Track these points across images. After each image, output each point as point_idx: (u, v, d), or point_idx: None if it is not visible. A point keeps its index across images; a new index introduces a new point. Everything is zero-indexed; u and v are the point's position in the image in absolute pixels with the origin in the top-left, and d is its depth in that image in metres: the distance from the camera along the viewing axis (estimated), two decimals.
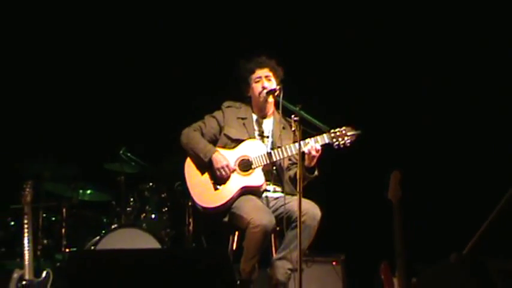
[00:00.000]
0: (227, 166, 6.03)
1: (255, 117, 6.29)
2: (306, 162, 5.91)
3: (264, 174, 6.09)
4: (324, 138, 5.92)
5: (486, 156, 7.19)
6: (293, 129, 5.84)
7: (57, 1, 8.17)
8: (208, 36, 7.93)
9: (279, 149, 6.06)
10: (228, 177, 6.06)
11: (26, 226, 6.82)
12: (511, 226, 5.62)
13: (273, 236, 6.02)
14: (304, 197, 5.65)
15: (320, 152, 5.92)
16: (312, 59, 7.68)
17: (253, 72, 6.25)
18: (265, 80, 6.19)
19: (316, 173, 6.01)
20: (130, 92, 7.94)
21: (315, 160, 5.93)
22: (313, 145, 5.88)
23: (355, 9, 8.11)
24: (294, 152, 5.91)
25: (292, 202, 5.79)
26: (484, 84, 7.81)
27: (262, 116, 6.30)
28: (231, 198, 6.01)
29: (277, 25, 7.91)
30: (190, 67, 7.85)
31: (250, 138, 6.19)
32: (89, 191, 7.62)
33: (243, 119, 6.26)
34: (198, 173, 6.16)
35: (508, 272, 4.57)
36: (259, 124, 6.29)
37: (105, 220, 7.40)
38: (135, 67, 8.06)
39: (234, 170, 6.06)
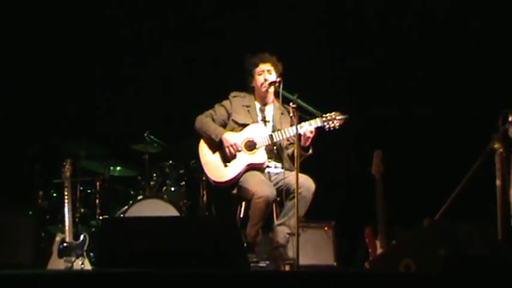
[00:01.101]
0: (235, 145, 6.08)
1: (257, 104, 6.32)
2: (302, 143, 5.94)
3: (266, 153, 6.13)
4: (317, 122, 5.95)
5: (454, 138, 7.19)
6: (291, 114, 5.92)
7: None
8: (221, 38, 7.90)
9: (279, 132, 6.10)
10: (235, 156, 6.09)
11: (66, 197, 6.87)
12: (473, 196, 5.67)
13: (274, 205, 6.06)
14: (301, 172, 5.71)
15: (314, 133, 5.97)
16: (305, 53, 7.65)
17: (257, 66, 6.27)
18: (267, 73, 6.21)
19: (310, 151, 6.06)
20: (154, 84, 7.92)
21: (309, 141, 5.97)
22: (307, 128, 5.93)
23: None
24: (291, 134, 5.96)
25: (291, 176, 5.83)
26: (453, 73, 7.81)
27: (264, 103, 6.32)
28: (238, 174, 6.05)
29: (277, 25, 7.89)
30: (203, 64, 7.82)
31: (254, 122, 6.22)
32: (118, 168, 7.63)
33: (247, 106, 6.29)
34: (210, 152, 6.20)
35: (472, 234, 4.60)
36: (262, 110, 6.32)
37: (132, 192, 7.42)
38: (156, 65, 8.03)
39: (241, 150, 6.10)
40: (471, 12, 7.70)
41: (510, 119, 5.68)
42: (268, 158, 6.16)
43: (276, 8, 7.99)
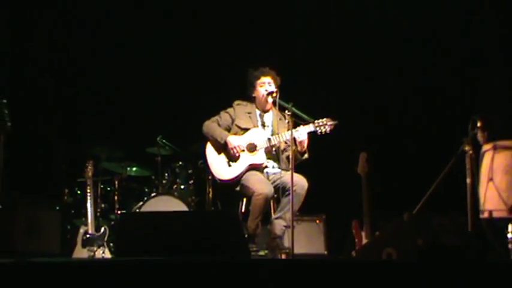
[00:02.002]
0: (238, 147, 6.08)
1: (258, 111, 6.32)
2: (299, 148, 5.96)
3: (266, 154, 6.14)
4: (310, 127, 5.96)
5: (429, 142, 7.19)
6: (287, 120, 5.90)
7: None
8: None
9: (277, 135, 6.10)
10: (238, 156, 6.10)
11: (88, 194, 6.90)
12: (447, 192, 5.69)
13: (271, 201, 6.06)
14: (296, 172, 5.72)
15: (307, 137, 5.99)
16: (299, 68, 7.67)
17: (258, 78, 6.27)
18: (267, 85, 6.23)
19: (306, 155, 6.07)
20: (166, 94, 7.91)
21: (304, 144, 5.97)
22: (301, 132, 5.95)
23: None
24: (287, 138, 5.94)
25: (286, 176, 5.83)
26: (428, 86, 7.83)
27: (264, 110, 6.33)
28: (240, 173, 6.05)
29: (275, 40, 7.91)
30: (211, 75, 7.83)
31: (254, 127, 6.22)
32: (134, 168, 7.62)
33: (249, 113, 6.29)
34: (215, 153, 6.20)
35: (446, 225, 4.62)
36: (262, 117, 6.33)
37: (146, 190, 7.39)
38: (168, 77, 8.03)
39: (243, 151, 6.11)
40: (446, 26, 7.72)
41: (478, 124, 5.70)
42: (267, 158, 6.16)
43: (276, 28, 8.00)
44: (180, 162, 7.41)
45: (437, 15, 7.73)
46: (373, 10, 7.95)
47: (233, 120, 6.27)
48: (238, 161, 6.11)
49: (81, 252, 6.76)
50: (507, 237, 5.25)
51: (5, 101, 5.10)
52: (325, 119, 5.98)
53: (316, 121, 5.97)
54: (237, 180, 6.07)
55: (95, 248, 6.77)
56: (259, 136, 6.15)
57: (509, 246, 5.23)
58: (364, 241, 5.81)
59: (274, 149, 6.17)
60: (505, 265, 4.54)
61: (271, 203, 6.09)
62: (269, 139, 6.12)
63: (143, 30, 8.06)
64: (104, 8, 7.99)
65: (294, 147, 5.81)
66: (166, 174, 7.38)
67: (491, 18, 7.59)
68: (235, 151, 6.09)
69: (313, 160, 6.06)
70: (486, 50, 7.72)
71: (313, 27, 7.99)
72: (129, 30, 8.02)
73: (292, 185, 5.57)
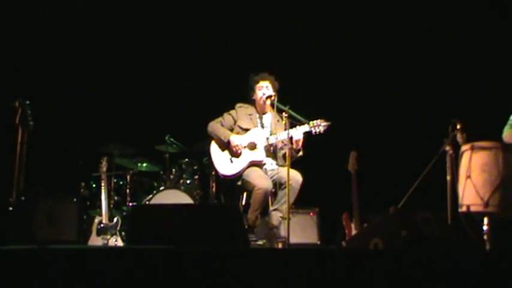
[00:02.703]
0: (240, 145, 6.10)
1: (257, 113, 6.34)
2: (294, 146, 5.96)
3: (265, 152, 6.15)
4: (305, 127, 5.97)
5: (413, 142, 7.19)
6: (284, 121, 5.92)
7: None
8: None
9: (274, 135, 6.13)
10: (240, 154, 6.11)
11: (102, 188, 6.94)
12: (429, 188, 5.68)
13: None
14: (292, 168, 5.73)
15: (302, 137, 5.98)
16: (297, 73, 7.67)
17: (257, 82, 6.30)
18: (265, 89, 6.24)
19: (301, 153, 6.06)
20: (174, 97, 7.92)
21: (299, 143, 5.97)
22: (296, 132, 5.95)
23: None
24: (284, 137, 5.94)
25: (283, 171, 5.84)
26: (412, 91, 7.85)
27: (263, 112, 6.34)
28: (242, 169, 6.07)
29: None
30: (215, 80, 7.83)
31: (255, 127, 6.24)
32: (144, 164, 7.63)
33: (250, 114, 6.30)
34: (219, 150, 6.22)
35: (428, 219, 4.62)
36: (261, 118, 6.34)
37: (155, 184, 7.40)
38: (177, 82, 8.03)
39: (245, 148, 6.12)
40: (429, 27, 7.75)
41: (458, 127, 5.71)
42: (266, 156, 6.16)
43: (275, 36, 8.01)
44: (186, 159, 7.41)
45: (427, 18, 7.76)
46: (363, 14, 7.97)
47: (235, 121, 6.28)
48: (239, 158, 6.12)
49: (95, 240, 6.79)
50: (483, 230, 5.27)
51: (27, 102, 5.09)
52: (319, 120, 5.98)
53: (311, 122, 5.97)
54: (239, 175, 6.09)
55: (109, 237, 6.80)
56: (258, 136, 6.16)
57: (485, 237, 5.25)
58: (354, 232, 5.83)
59: (272, 147, 6.18)
60: (481, 254, 4.56)
61: (269, 197, 6.08)
62: (267, 138, 6.14)
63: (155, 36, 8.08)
64: (117, 8, 7.99)
65: (290, 146, 5.82)
66: (173, 170, 7.39)
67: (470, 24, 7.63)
68: (237, 149, 6.10)
69: (307, 158, 6.06)
70: (464, 59, 7.75)
71: (307, 35, 8.00)
72: (142, 33, 8.05)
73: (288, 180, 5.61)
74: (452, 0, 7.68)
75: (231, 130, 6.24)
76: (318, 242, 6.90)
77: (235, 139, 6.13)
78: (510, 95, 6.52)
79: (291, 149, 5.86)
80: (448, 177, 5.64)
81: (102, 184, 6.95)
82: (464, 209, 5.36)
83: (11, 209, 4.69)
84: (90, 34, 8.00)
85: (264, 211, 5.98)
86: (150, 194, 7.07)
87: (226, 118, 6.32)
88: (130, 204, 7.22)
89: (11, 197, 4.81)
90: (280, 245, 5.69)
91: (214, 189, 7.10)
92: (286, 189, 5.63)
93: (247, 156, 6.10)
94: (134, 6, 8.08)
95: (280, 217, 5.88)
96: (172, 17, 8.12)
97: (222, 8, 8.06)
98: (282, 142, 6.13)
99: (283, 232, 5.79)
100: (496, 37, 7.66)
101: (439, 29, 7.79)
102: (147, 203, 6.92)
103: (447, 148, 5.73)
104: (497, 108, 6.61)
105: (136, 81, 7.96)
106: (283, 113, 5.90)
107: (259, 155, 6.11)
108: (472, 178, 5.28)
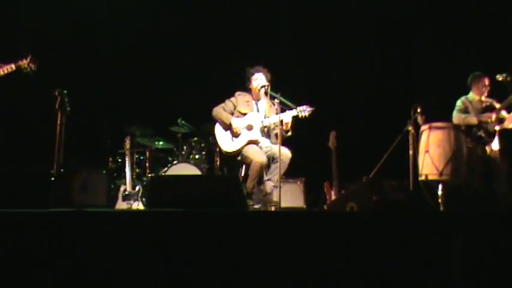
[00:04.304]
0: (239, 127, 6.06)
1: (253, 100, 6.29)
2: (284, 127, 5.91)
3: (260, 132, 6.11)
4: (293, 112, 5.89)
5: (382, 123, 7.11)
6: (275, 106, 5.88)
7: None
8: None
9: (268, 118, 6.10)
10: (239, 134, 6.08)
11: (127, 161, 6.88)
12: (394, 161, 5.69)
13: None
14: (282, 145, 5.71)
15: (291, 120, 5.94)
16: (287, 66, 7.63)
17: (253, 74, 6.21)
18: (260, 80, 6.19)
19: (290, 133, 5.99)
20: (186, 87, 7.86)
21: (288, 125, 5.90)
22: (286, 115, 5.92)
23: None
24: (276, 120, 5.89)
25: (275, 148, 5.79)
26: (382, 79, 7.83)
27: (258, 99, 6.26)
28: (241, 146, 6.02)
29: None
30: (219, 72, 7.77)
31: (251, 112, 6.18)
32: (161, 142, 7.56)
33: (247, 101, 6.22)
34: (222, 131, 6.16)
35: (393, 186, 4.63)
36: (256, 104, 6.25)
37: (169, 159, 7.33)
38: (188, 75, 7.98)
39: (243, 129, 6.09)
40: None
41: (418, 110, 5.73)
42: (261, 135, 6.12)
43: (267, 33, 7.97)
44: (196, 138, 7.33)
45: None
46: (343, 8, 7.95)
47: (235, 107, 6.21)
48: (239, 137, 6.07)
49: (121, 205, 6.77)
50: (438, 194, 5.30)
51: (65, 91, 5.08)
52: (304, 106, 5.91)
53: (298, 107, 5.91)
54: (239, 151, 6.03)
55: (132, 202, 6.77)
56: (255, 119, 6.11)
57: (440, 200, 5.29)
58: (333, 198, 5.82)
59: (266, 128, 6.13)
60: (436, 214, 4.58)
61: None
62: (262, 121, 6.09)
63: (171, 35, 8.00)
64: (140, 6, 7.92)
65: (281, 127, 5.79)
66: (184, 147, 7.30)
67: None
68: (237, 130, 6.05)
69: (295, 137, 6.03)
70: (425, 54, 7.73)
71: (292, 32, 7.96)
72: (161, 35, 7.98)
73: (280, 155, 5.58)
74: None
75: (232, 114, 6.18)
76: (304, 206, 6.85)
77: (235, 122, 6.08)
78: (459, 85, 6.51)
79: (281, 129, 5.82)
80: (410, 152, 5.67)
81: (126, 159, 6.90)
82: (423, 177, 5.40)
83: (52, 179, 4.69)
84: (116, 34, 7.95)
85: (260, 181, 5.91)
86: (165, 167, 7.02)
87: (228, 104, 6.25)
88: (149, 175, 7.17)
89: (53, 169, 4.82)
90: (273, 209, 5.66)
91: (218, 163, 7.04)
92: (278, 163, 5.60)
93: (245, 136, 6.06)
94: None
95: (273, 186, 5.83)
96: (191, 22, 8.06)
97: (230, 16, 8.01)
98: (274, 124, 6.06)
99: (275, 198, 5.75)
100: (449, 34, 7.68)
101: (407, 31, 7.79)
102: (163, 174, 6.88)
103: (409, 128, 5.75)
104: (449, 95, 6.61)
105: (155, 74, 7.89)
106: (275, 100, 5.86)
107: (255, 134, 6.07)
108: (429, 152, 5.32)
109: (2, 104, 5.44)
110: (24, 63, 5.22)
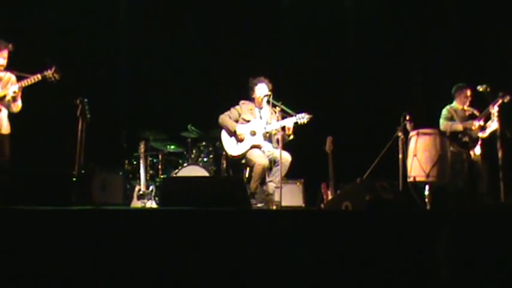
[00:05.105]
0: (243, 133, 6.07)
1: (256, 108, 6.28)
2: (287, 132, 5.90)
3: (262, 137, 6.10)
4: (293, 119, 5.89)
5: (375, 129, 7.09)
6: (277, 114, 5.88)
7: None
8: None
9: (270, 125, 6.10)
10: (243, 139, 6.08)
11: (141, 164, 6.91)
12: (385, 164, 5.68)
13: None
14: (283, 149, 5.72)
15: (292, 126, 5.93)
16: (287, 77, 7.64)
17: (256, 84, 6.23)
18: (262, 89, 6.20)
19: (291, 137, 5.98)
20: (195, 97, 7.87)
21: (290, 129, 5.90)
22: (287, 122, 5.91)
23: None
24: (277, 126, 5.91)
25: (277, 152, 5.81)
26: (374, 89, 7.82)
27: (260, 107, 6.25)
28: (245, 150, 6.02)
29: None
30: (226, 83, 7.78)
31: (255, 119, 6.18)
32: (172, 146, 7.55)
33: (250, 109, 6.22)
34: (228, 137, 6.15)
35: (384, 186, 4.63)
36: (259, 112, 6.27)
37: (180, 161, 7.36)
38: (197, 85, 7.98)
39: (247, 135, 6.09)
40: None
41: (407, 118, 5.74)
42: (263, 140, 6.11)
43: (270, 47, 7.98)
44: (204, 143, 7.33)
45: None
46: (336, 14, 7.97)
47: (240, 114, 6.21)
48: (243, 142, 6.08)
49: (136, 203, 6.78)
50: (425, 194, 5.31)
51: (86, 100, 5.10)
52: (303, 113, 5.91)
53: (297, 115, 5.90)
54: (243, 155, 6.04)
55: (146, 201, 6.78)
56: (258, 125, 6.11)
57: (426, 200, 5.29)
58: (330, 197, 5.83)
59: (268, 134, 6.13)
60: (423, 213, 4.58)
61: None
62: (265, 127, 6.09)
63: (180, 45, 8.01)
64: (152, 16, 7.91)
65: (282, 133, 5.79)
66: (194, 151, 7.31)
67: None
68: (241, 136, 6.06)
69: (295, 141, 6.03)
70: (413, 65, 7.75)
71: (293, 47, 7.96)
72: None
73: (281, 159, 5.59)
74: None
75: (236, 121, 6.18)
76: (303, 205, 6.85)
77: (240, 128, 6.08)
78: (444, 95, 6.51)
79: (283, 134, 5.81)
80: (400, 156, 5.67)
81: (141, 161, 6.91)
82: (411, 179, 5.41)
83: (74, 179, 4.71)
84: (131, 50, 7.98)
85: (262, 182, 5.92)
86: (176, 169, 7.02)
87: (233, 112, 6.24)
88: (162, 176, 7.18)
89: (74, 171, 4.83)
90: (274, 207, 5.67)
91: (224, 165, 7.03)
92: (279, 166, 5.61)
93: (249, 141, 6.06)
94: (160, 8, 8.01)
95: (275, 186, 5.83)
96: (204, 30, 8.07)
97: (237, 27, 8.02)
98: (276, 130, 6.07)
99: (277, 197, 5.76)
100: (434, 48, 7.69)
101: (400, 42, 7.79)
102: (174, 175, 6.88)
103: (399, 134, 5.76)
104: (435, 104, 6.61)
105: (167, 84, 7.91)
106: (276, 108, 5.86)
107: (258, 139, 6.07)
108: (417, 156, 5.34)
109: (29, 111, 5.48)
110: (49, 73, 5.25)
